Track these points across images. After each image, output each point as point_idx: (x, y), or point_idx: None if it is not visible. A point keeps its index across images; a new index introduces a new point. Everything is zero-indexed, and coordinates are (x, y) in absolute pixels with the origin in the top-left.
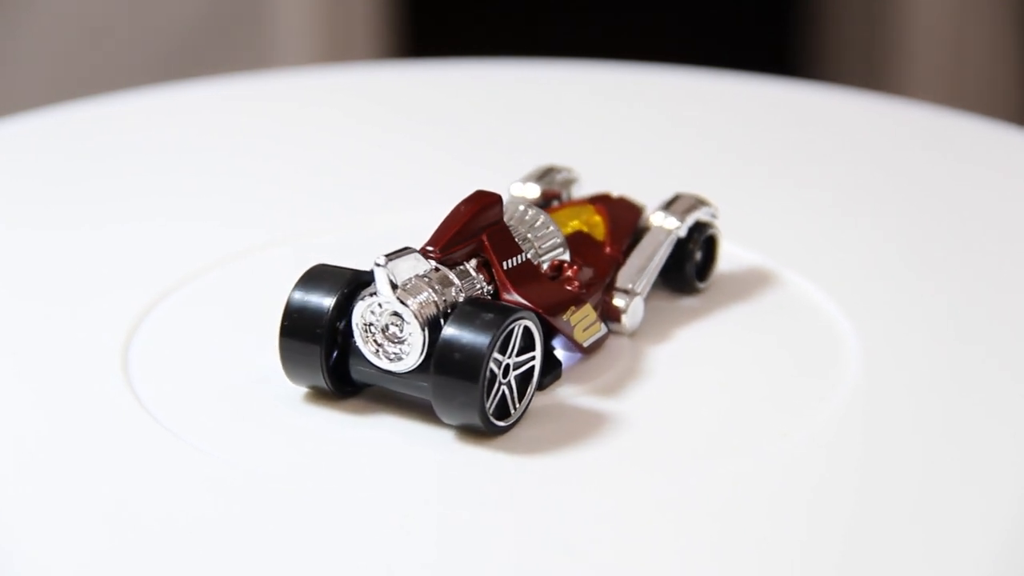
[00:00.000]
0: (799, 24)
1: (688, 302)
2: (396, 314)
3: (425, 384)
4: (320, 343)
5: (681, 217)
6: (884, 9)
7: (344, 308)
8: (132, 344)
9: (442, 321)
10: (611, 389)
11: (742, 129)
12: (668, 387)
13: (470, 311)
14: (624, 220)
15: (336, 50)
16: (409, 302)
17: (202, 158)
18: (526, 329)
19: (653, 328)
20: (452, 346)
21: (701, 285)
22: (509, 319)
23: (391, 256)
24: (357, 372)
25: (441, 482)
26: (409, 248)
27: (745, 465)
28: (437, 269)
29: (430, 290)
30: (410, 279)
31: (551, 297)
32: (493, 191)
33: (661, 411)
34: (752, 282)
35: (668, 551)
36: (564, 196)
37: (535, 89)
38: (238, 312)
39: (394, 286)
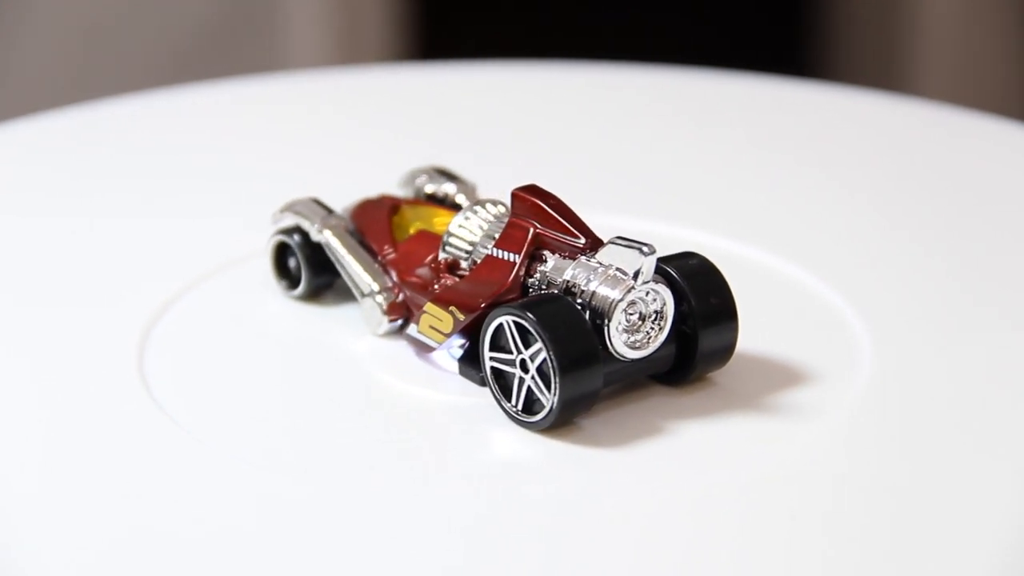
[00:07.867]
0: (809, 24)
1: None
2: (631, 302)
3: (666, 352)
4: (602, 362)
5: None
6: (894, 8)
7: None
8: (147, 344)
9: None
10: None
11: (753, 129)
12: (676, 384)
13: (682, 264)
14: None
15: (347, 53)
16: (657, 279)
17: (213, 160)
18: None
19: None
20: (706, 295)
21: None
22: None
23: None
24: (605, 377)
25: (475, 480)
26: (609, 241)
27: (755, 463)
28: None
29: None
30: (611, 264)
31: None
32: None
33: (666, 407)
34: (763, 281)
35: (682, 550)
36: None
37: (547, 91)
38: (248, 313)
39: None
